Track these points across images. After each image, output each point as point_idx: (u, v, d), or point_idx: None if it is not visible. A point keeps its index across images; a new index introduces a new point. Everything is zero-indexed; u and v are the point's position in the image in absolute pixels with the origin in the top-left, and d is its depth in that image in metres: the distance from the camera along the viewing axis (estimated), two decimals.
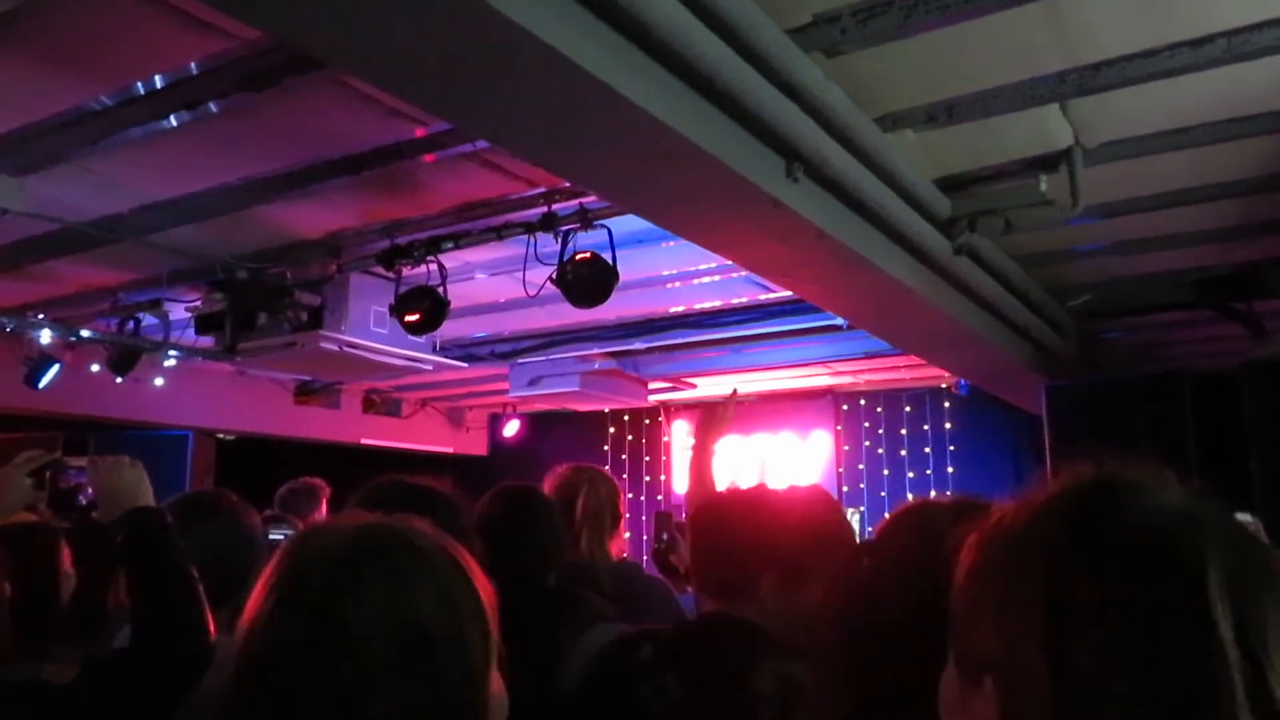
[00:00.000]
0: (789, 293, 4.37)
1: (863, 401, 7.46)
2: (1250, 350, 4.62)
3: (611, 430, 8.33)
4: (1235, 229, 3.97)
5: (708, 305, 5.38)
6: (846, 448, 7.50)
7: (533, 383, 6.45)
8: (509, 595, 2.22)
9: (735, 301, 5.28)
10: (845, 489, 7.37)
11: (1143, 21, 2.51)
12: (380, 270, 4.24)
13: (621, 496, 2.79)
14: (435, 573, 0.98)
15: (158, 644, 1.61)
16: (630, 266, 4.24)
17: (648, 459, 8.21)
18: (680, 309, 5.46)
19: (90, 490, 1.90)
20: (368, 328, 4.49)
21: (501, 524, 2.23)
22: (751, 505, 1.78)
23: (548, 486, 2.59)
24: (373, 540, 0.99)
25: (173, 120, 3.05)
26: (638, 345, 5.98)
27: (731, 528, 1.73)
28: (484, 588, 1.02)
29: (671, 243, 3.91)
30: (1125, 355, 5.46)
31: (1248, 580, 0.66)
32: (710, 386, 7.42)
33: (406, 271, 4.15)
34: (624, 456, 8.20)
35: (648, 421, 8.29)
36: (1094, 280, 4.70)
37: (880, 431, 7.36)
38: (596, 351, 6.24)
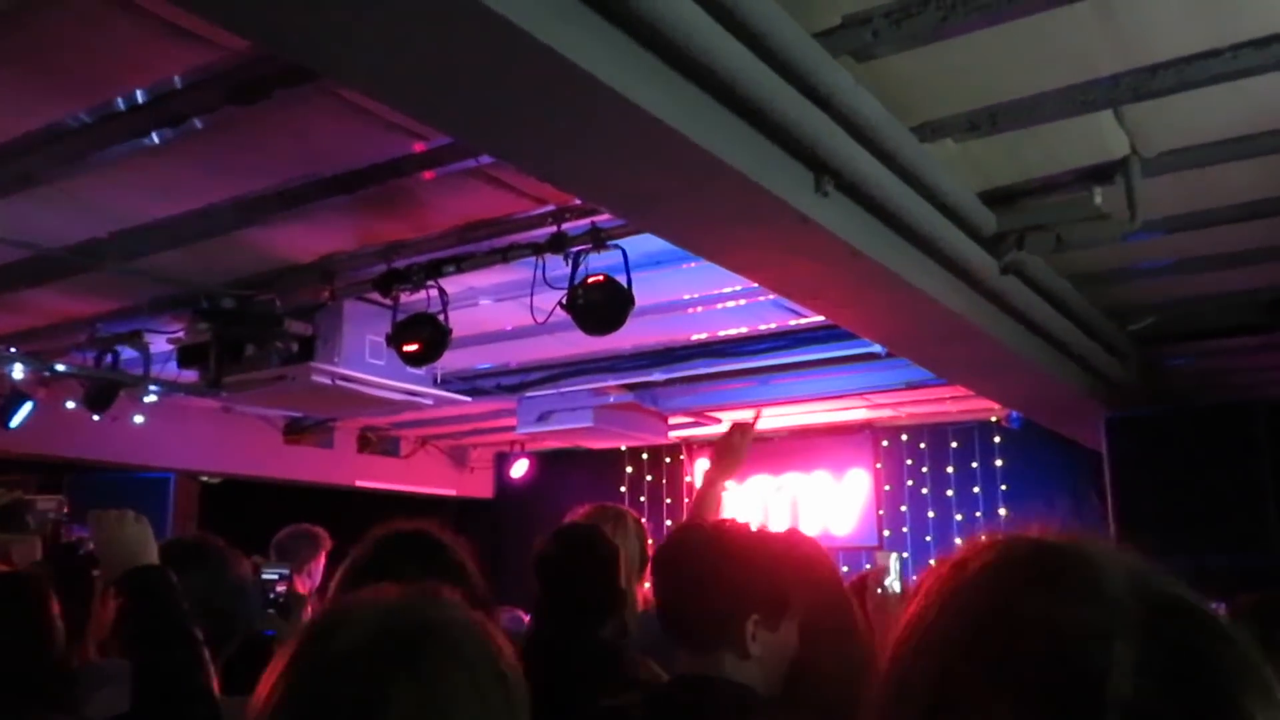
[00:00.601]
0: (821, 318, 4.37)
1: (904, 437, 7.43)
2: None
3: (629, 470, 8.32)
4: None
5: (733, 332, 5.38)
6: (887, 487, 7.45)
7: (542, 418, 6.46)
8: (560, 644, 2.24)
9: (763, 328, 5.28)
10: (886, 532, 7.32)
11: (1202, 20, 2.52)
12: (377, 297, 4.28)
13: (648, 536, 2.81)
14: (469, 669, 0.97)
15: (162, 711, 1.64)
16: (648, 290, 4.26)
17: (669, 501, 8.18)
18: (703, 336, 5.47)
19: (91, 545, 1.94)
20: (363, 359, 4.52)
21: (559, 566, 2.25)
22: (727, 537, 1.74)
23: None
24: (401, 637, 0.96)
25: (155, 137, 3.10)
26: (656, 376, 5.99)
27: (708, 563, 1.67)
28: (515, 674, 1.00)
29: (693, 264, 3.92)
30: (1193, 383, 5.42)
31: (1163, 712, 0.60)
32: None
33: (405, 298, 4.18)
34: (643, 498, 8.18)
35: (668, 460, 8.27)
36: (1157, 301, 4.68)
37: (924, 470, 7.32)
38: (612, 383, 6.25)
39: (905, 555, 7.12)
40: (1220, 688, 0.62)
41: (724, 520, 1.85)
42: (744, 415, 2.95)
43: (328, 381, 4.50)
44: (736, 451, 2.60)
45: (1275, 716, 0.61)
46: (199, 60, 2.71)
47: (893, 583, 2.35)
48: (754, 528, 1.84)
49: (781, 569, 1.70)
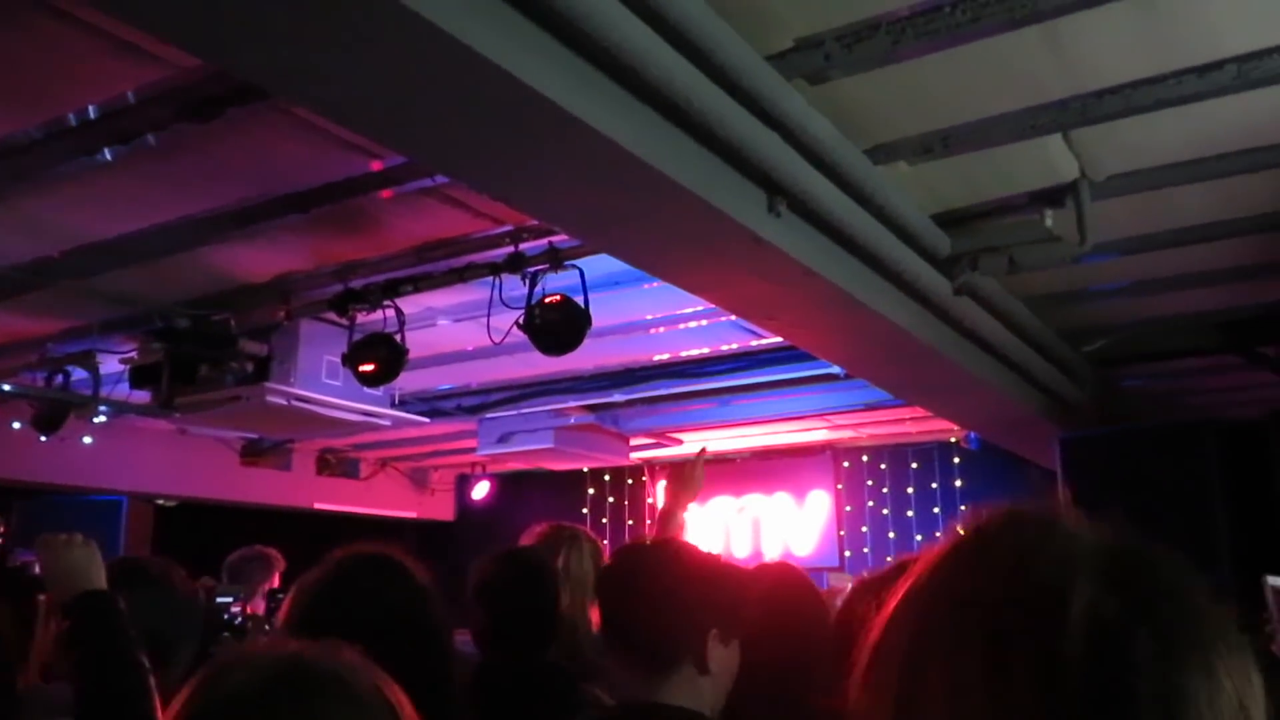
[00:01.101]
0: (782, 339, 4.40)
1: (865, 457, 7.47)
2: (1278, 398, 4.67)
3: (591, 491, 8.31)
4: (1260, 267, 4.03)
5: (694, 353, 5.40)
6: (848, 508, 7.49)
7: (503, 439, 6.45)
8: (506, 669, 2.21)
9: (724, 348, 5.31)
10: (848, 553, 7.35)
11: (1146, 47, 2.58)
12: (333, 316, 4.26)
13: (605, 557, 2.79)
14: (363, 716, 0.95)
15: None
16: (609, 311, 4.27)
17: (630, 522, 8.18)
18: (664, 357, 5.49)
19: (38, 568, 1.91)
20: (319, 379, 4.49)
21: (503, 591, 2.23)
22: (683, 552, 1.73)
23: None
24: (297, 683, 0.95)
25: (107, 154, 3.08)
26: (617, 397, 5.99)
27: (669, 577, 1.65)
28: None
29: (653, 284, 3.93)
30: (1146, 404, 5.50)
31: (1126, 643, 0.63)
32: (697, 443, 7.40)
33: (361, 318, 4.16)
34: (604, 520, 8.17)
35: (630, 481, 8.27)
36: (1111, 323, 4.75)
37: (885, 490, 7.37)
38: (573, 404, 6.25)
39: (847, 558, 7.19)
40: (1181, 607, 0.66)
41: (668, 538, 1.84)
42: (700, 445, 2.96)
43: (283, 402, 4.46)
44: (693, 480, 2.60)
45: (1231, 640, 0.66)
46: (151, 77, 2.69)
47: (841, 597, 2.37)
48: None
49: (732, 585, 1.71)
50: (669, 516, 2.59)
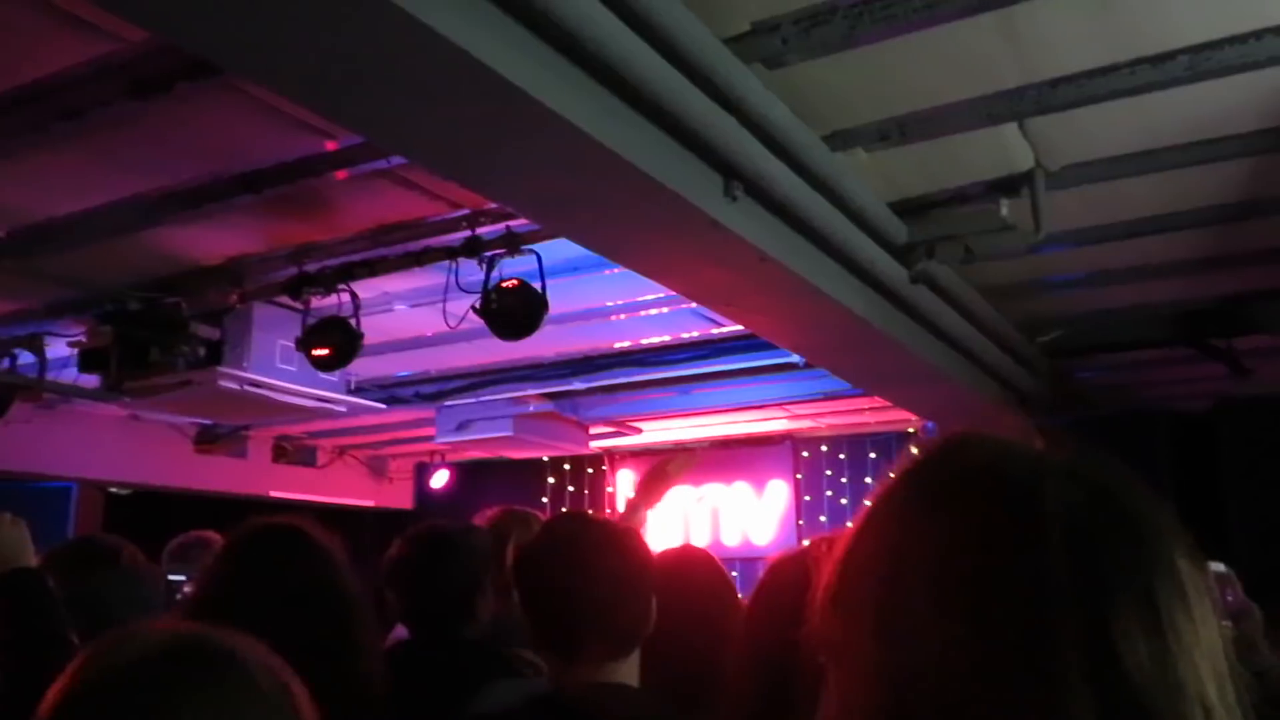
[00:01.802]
0: (741, 327, 4.41)
1: (824, 448, 7.51)
2: (1229, 389, 4.75)
3: (551, 480, 8.29)
4: (1212, 260, 4.09)
5: (654, 341, 5.39)
6: (807, 498, 7.53)
7: (461, 427, 6.41)
8: (419, 649, 2.18)
9: (685, 336, 5.30)
10: (806, 542, 7.36)
11: (1101, 36, 2.60)
12: (287, 300, 4.21)
13: None
14: (264, 700, 0.94)
15: (33, 714, 1.58)
16: (569, 297, 4.25)
17: (591, 511, 8.16)
18: (625, 344, 5.47)
19: None
20: (273, 364, 4.44)
21: (411, 569, 2.21)
22: (609, 529, 1.70)
23: None
24: (195, 655, 0.94)
25: (51, 131, 3.00)
26: (577, 385, 5.97)
27: (618, 558, 1.62)
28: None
29: (614, 270, 3.92)
30: (1100, 394, 5.57)
31: (1096, 525, 0.67)
32: (657, 431, 7.42)
33: (316, 302, 4.12)
34: (565, 509, 8.15)
35: (590, 470, 8.26)
36: (1067, 314, 4.80)
37: (843, 480, 7.40)
38: (532, 392, 6.22)
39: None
40: (1140, 508, 0.70)
41: (582, 516, 1.79)
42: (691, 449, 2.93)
43: (236, 387, 4.41)
44: (667, 479, 2.57)
45: (1179, 544, 0.69)
46: (97, 51, 2.64)
47: None
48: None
49: (649, 555, 1.70)
50: (634, 510, 2.57)
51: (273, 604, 1.46)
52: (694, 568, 2.06)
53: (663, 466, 2.59)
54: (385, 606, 2.32)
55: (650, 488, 2.57)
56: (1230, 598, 2.30)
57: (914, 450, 0.78)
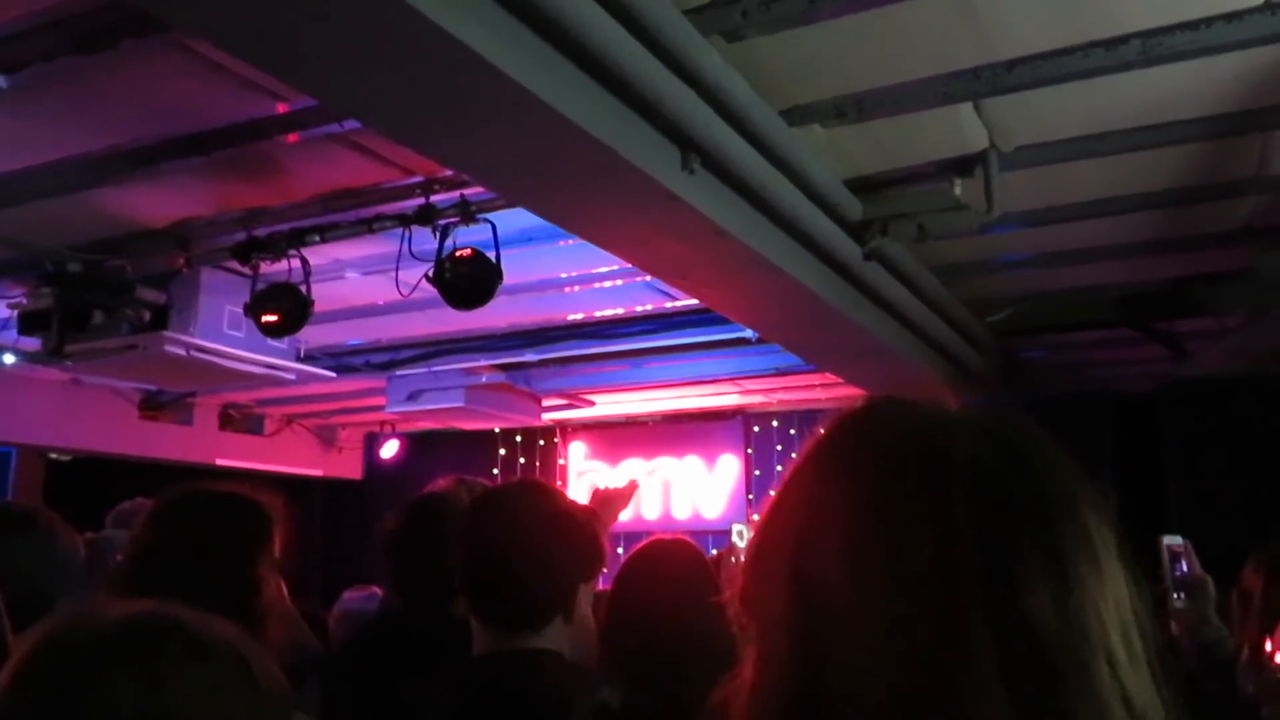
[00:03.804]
0: (694, 301, 4.41)
1: (775, 423, 7.56)
2: (1170, 371, 4.84)
3: (502, 452, 8.26)
4: (1156, 243, 4.16)
5: (608, 313, 5.38)
6: (757, 472, 7.58)
7: (412, 397, 6.36)
8: (409, 622, 2.17)
9: (639, 310, 5.29)
10: (755, 516, 7.43)
11: (1057, 17, 2.62)
12: (235, 265, 4.13)
13: None
14: (213, 671, 0.93)
15: None
16: (523, 268, 4.22)
17: (532, 481, 8.14)
18: (578, 316, 5.45)
19: None
20: (220, 330, 4.36)
21: (407, 542, 2.20)
22: (539, 500, 1.68)
23: None
24: (144, 631, 0.94)
25: None
26: (530, 357, 5.95)
27: (537, 531, 1.61)
28: (271, 685, 0.97)
29: (568, 242, 3.90)
30: (1046, 375, 5.66)
31: (1001, 477, 0.67)
32: (609, 405, 7.42)
33: (265, 267, 4.05)
34: (495, 485, 8.13)
35: (542, 443, 8.24)
36: (1016, 295, 4.87)
37: (794, 455, 7.41)
38: (484, 363, 6.18)
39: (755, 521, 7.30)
40: (1046, 461, 0.70)
41: (524, 485, 1.79)
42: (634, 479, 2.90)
43: (182, 352, 4.32)
44: (618, 507, 2.59)
45: (1085, 497, 0.70)
46: (38, 5, 2.55)
47: (742, 552, 2.41)
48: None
49: (592, 528, 1.70)
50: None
51: (189, 571, 1.44)
52: (669, 558, 2.09)
53: (612, 496, 2.59)
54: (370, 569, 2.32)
55: (602, 514, 2.57)
56: (1183, 570, 2.34)
57: (836, 415, 0.78)
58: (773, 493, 0.77)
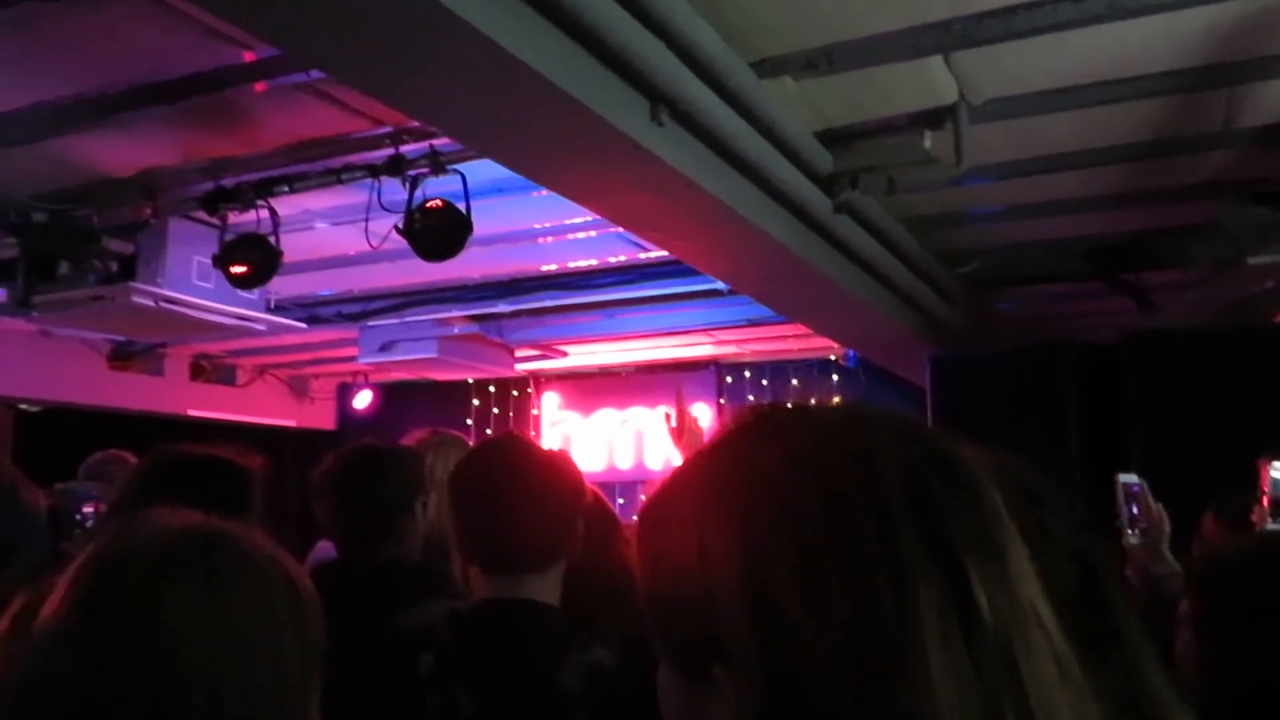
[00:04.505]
0: (668, 252, 4.41)
1: (747, 373, 7.62)
2: (1136, 323, 4.91)
3: (476, 402, 8.28)
4: (1124, 196, 4.20)
5: (581, 264, 5.37)
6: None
7: (385, 348, 6.35)
8: (348, 565, 2.18)
9: (612, 261, 5.29)
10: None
11: None
12: (203, 216, 4.10)
13: None
14: (261, 585, 1.01)
15: None
16: (495, 219, 4.21)
17: (522, 434, 8.19)
18: (552, 268, 5.45)
19: None
20: (189, 281, 4.33)
21: (337, 482, 2.21)
22: (531, 448, 1.72)
23: None
24: (199, 539, 1.01)
25: None
26: (502, 308, 5.94)
27: (539, 478, 1.65)
28: (314, 609, 1.04)
29: (541, 193, 3.87)
30: (1015, 327, 5.72)
31: (933, 482, 0.69)
32: (582, 355, 7.44)
33: (234, 218, 4.01)
34: (489, 431, 8.16)
35: (516, 393, 8.27)
36: (986, 247, 4.90)
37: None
38: (456, 314, 6.17)
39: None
40: (965, 460, 0.72)
41: (518, 439, 1.80)
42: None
43: (150, 303, 4.30)
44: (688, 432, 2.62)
45: (996, 485, 0.71)
46: None
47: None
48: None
49: (582, 486, 1.73)
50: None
51: None
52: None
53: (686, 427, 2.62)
54: (314, 521, 2.34)
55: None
56: (1136, 509, 2.39)
57: (730, 431, 0.77)
58: (667, 497, 0.77)
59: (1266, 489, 2.43)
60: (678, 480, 0.77)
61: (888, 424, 0.73)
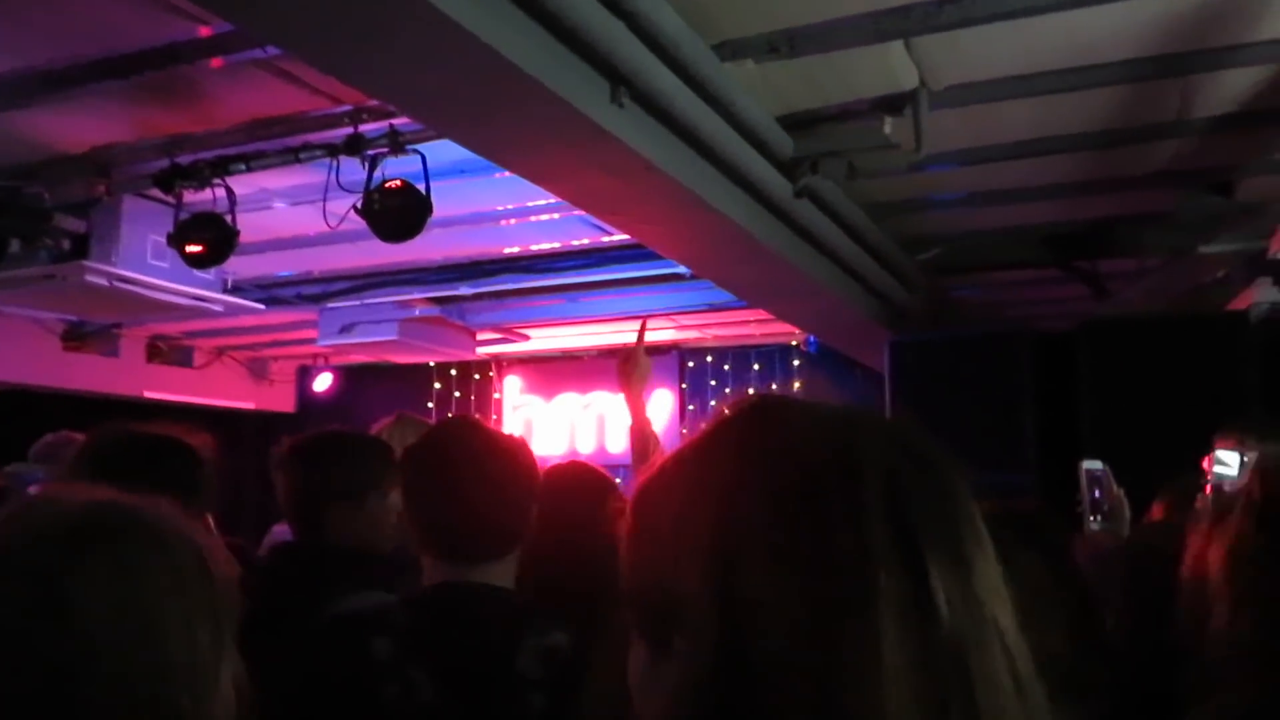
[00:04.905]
0: (631, 236, 4.40)
1: (709, 358, 7.63)
2: (1091, 310, 4.97)
3: (437, 386, 8.24)
4: (1081, 184, 4.24)
5: (544, 247, 5.35)
6: (691, 407, 7.66)
7: (345, 330, 6.29)
8: (291, 550, 2.16)
9: (575, 244, 5.27)
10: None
11: None
12: (158, 194, 4.02)
13: None
14: (170, 559, 0.98)
15: None
16: (456, 200, 4.17)
17: (478, 417, 8.15)
18: (513, 250, 5.42)
19: None
20: (144, 260, 4.26)
21: (282, 466, 2.20)
22: (488, 434, 1.70)
23: None
24: (104, 516, 0.98)
25: None
26: (464, 290, 5.91)
27: (490, 470, 1.63)
28: (225, 588, 1.02)
29: (503, 174, 3.84)
30: (974, 313, 5.77)
31: (911, 484, 0.71)
32: (545, 339, 7.42)
33: (190, 196, 3.94)
34: (450, 415, 8.12)
35: (477, 377, 8.23)
36: (946, 233, 4.93)
37: (727, 390, 7.55)
38: (418, 296, 6.13)
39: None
40: (943, 464, 0.74)
41: (473, 423, 1.77)
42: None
43: (103, 283, 4.22)
44: (637, 363, 2.57)
45: (970, 492, 0.73)
46: None
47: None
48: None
49: (537, 472, 1.72)
50: (642, 433, 2.48)
51: None
52: (576, 481, 2.09)
53: (629, 357, 2.57)
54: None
55: (631, 386, 2.56)
56: (1099, 492, 2.42)
57: (724, 415, 0.79)
58: (655, 477, 0.78)
59: (1210, 478, 2.47)
60: (671, 459, 0.79)
61: (876, 425, 0.75)
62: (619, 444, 7.65)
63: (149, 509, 1.01)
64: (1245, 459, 2.39)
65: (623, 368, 2.57)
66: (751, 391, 0.82)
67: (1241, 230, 4.52)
